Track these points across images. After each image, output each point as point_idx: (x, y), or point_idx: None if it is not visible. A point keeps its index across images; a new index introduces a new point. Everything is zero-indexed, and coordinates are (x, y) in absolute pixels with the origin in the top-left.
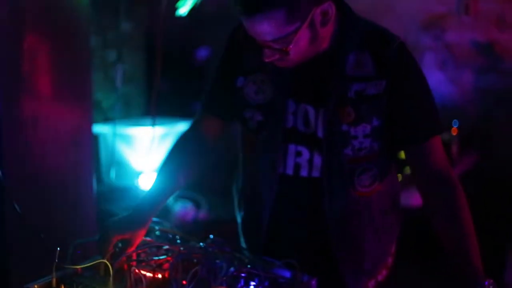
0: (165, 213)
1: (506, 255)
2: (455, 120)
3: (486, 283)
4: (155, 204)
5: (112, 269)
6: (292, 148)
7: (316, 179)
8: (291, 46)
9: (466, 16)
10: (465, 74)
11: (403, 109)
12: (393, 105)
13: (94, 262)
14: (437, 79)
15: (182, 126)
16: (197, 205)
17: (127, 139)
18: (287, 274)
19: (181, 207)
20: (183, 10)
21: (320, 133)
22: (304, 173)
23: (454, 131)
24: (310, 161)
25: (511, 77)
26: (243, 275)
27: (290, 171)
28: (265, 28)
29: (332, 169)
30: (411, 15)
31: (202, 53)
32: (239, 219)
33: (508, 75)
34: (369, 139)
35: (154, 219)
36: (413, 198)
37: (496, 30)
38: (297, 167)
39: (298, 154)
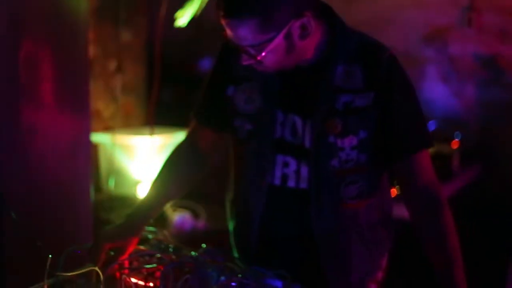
0: (163, 222)
1: (508, 270)
2: (457, 132)
3: None
4: (148, 213)
5: (103, 276)
6: (280, 158)
7: (304, 190)
8: (263, 54)
9: (469, 29)
10: (467, 87)
11: (391, 122)
12: (380, 117)
13: (85, 270)
14: (439, 92)
15: (181, 136)
16: (195, 215)
17: (126, 148)
18: (279, 284)
19: (179, 217)
20: (182, 21)
21: (307, 144)
22: (291, 183)
23: (455, 144)
24: (297, 172)
25: None
26: (233, 284)
27: (278, 181)
28: (240, 33)
29: (319, 180)
30: (413, 27)
31: (203, 63)
32: (231, 229)
33: (511, 89)
34: (356, 151)
35: (149, 228)
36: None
37: (499, 43)
38: (284, 177)
39: (286, 164)
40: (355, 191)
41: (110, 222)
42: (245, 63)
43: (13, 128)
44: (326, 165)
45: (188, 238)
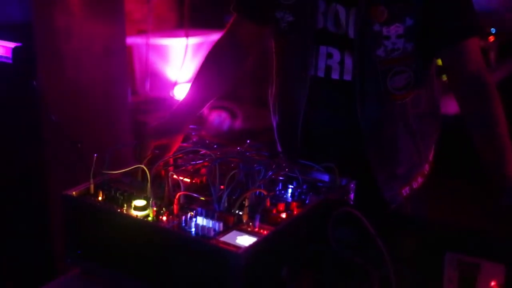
0: (200, 122)
1: None
2: (492, 28)
3: None
4: (192, 110)
5: (150, 174)
6: (323, 49)
7: (348, 82)
8: None
9: None
10: None
11: (438, 8)
12: (427, 3)
13: (132, 168)
14: None
15: (215, 36)
16: (232, 115)
17: (161, 50)
18: (326, 177)
19: (216, 117)
20: None
21: (351, 34)
22: (335, 75)
23: (491, 39)
24: (341, 63)
25: None
26: (281, 178)
27: (321, 73)
28: None
29: (364, 71)
30: None
31: None
32: (274, 124)
33: None
34: (402, 40)
35: (191, 126)
36: (450, 106)
37: None
38: (328, 69)
39: (329, 55)
40: (402, 82)
41: (146, 125)
42: None
43: (47, 31)
44: (371, 55)
45: (226, 137)
